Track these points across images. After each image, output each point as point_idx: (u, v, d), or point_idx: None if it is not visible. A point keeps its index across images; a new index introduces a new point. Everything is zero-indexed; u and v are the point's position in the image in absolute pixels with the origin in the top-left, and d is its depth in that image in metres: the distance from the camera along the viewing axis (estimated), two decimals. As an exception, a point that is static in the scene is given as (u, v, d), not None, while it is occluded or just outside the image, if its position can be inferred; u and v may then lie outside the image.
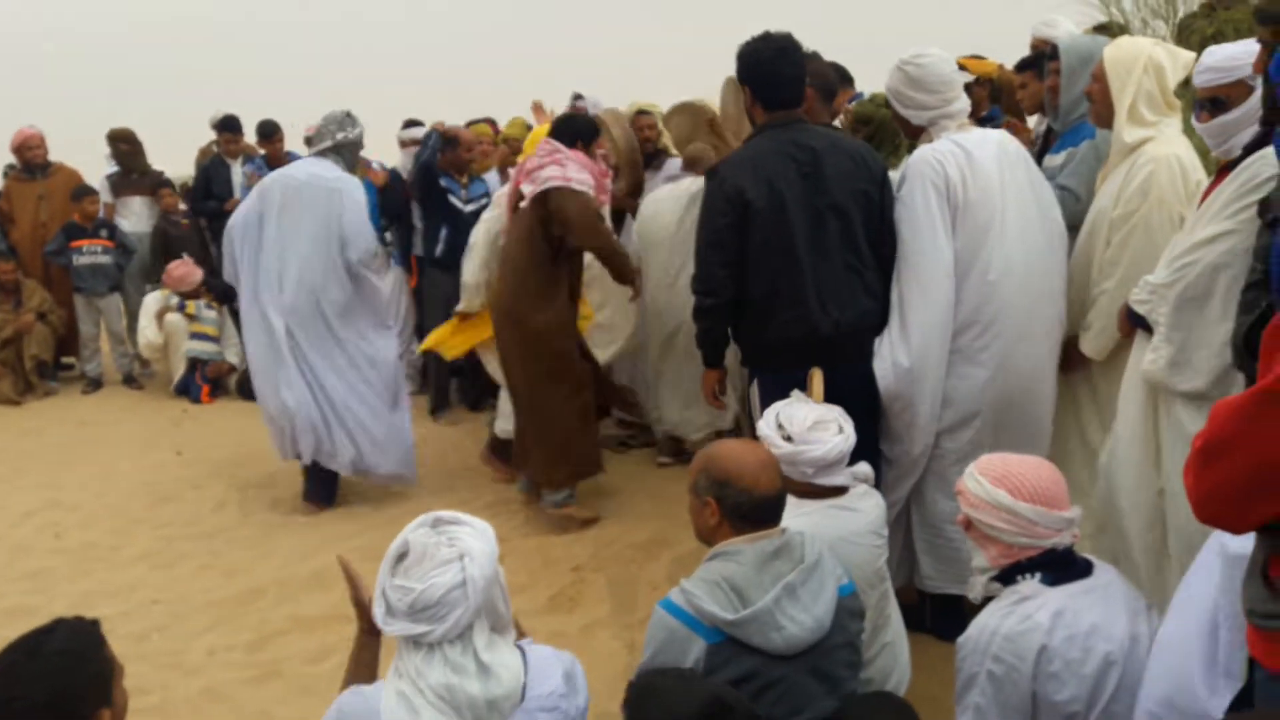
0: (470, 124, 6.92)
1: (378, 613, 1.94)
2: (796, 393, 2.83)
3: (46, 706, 1.77)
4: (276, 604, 4.15)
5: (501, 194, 5.28)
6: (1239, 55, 2.73)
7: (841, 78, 4.89)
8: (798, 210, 3.23)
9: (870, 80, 5.05)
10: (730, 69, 3.49)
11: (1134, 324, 2.95)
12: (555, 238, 4.53)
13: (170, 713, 3.36)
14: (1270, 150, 2.60)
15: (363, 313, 5.02)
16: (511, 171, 6.37)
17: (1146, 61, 3.17)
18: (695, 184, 4.92)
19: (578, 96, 6.64)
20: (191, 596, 4.24)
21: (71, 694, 1.79)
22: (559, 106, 7.68)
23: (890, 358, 3.28)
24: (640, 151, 5.56)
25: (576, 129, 4.71)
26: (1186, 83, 3.40)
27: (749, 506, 2.23)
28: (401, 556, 1.95)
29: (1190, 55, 3.17)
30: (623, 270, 4.72)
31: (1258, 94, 2.66)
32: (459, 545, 1.92)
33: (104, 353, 8.18)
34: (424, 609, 1.87)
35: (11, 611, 4.10)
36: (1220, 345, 2.67)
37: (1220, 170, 2.81)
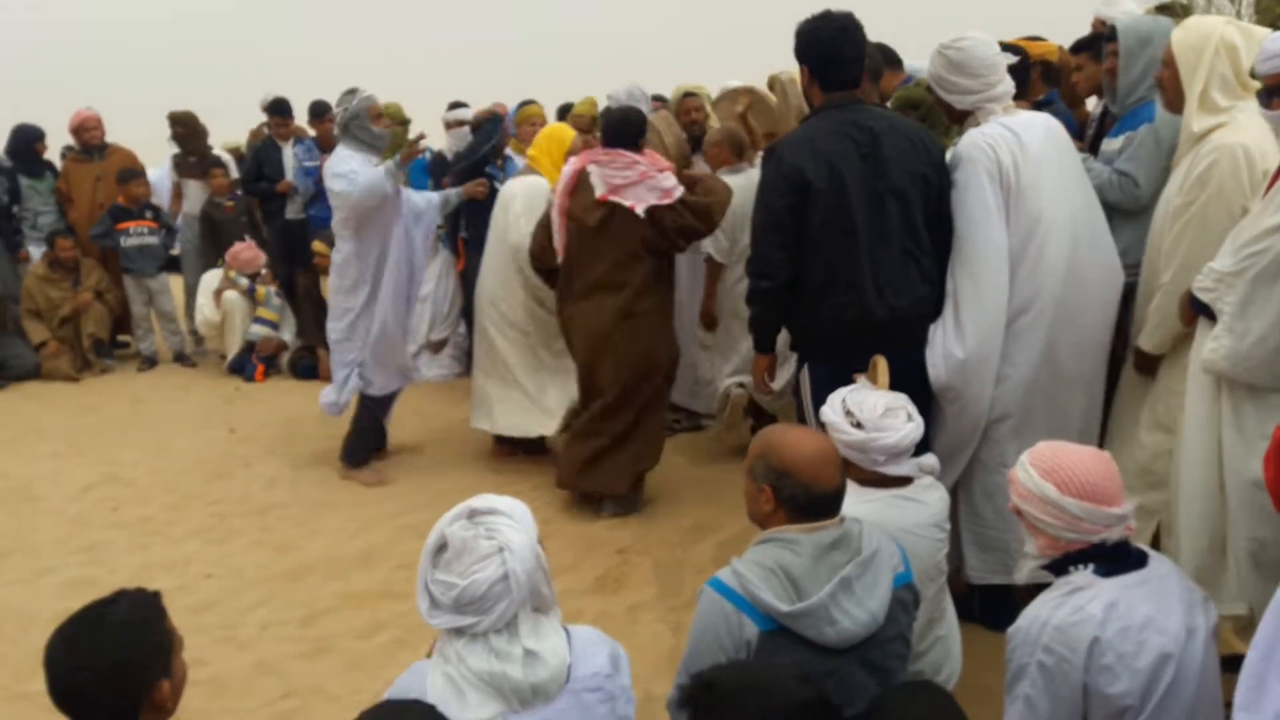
0: (522, 105, 6.91)
1: (422, 606, 1.93)
2: (861, 379, 2.78)
3: (109, 676, 1.80)
4: (326, 580, 4.22)
5: (527, 192, 5.21)
6: None
7: (889, 60, 4.81)
8: (858, 192, 3.17)
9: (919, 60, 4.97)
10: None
11: (1197, 311, 2.88)
12: (665, 250, 4.54)
13: (224, 685, 3.43)
14: None
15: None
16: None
17: (1218, 43, 3.02)
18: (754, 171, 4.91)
19: (609, 96, 6.59)
20: (244, 572, 4.33)
21: (133, 665, 1.83)
22: (563, 96, 7.68)
23: (943, 348, 3.23)
24: (687, 142, 5.55)
25: (634, 129, 4.58)
26: None
27: (805, 500, 2.18)
28: (440, 549, 1.93)
29: (1266, 32, 3.04)
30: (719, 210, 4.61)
31: None
32: (498, 538, 1.90)
33: (158, 331, 8.34)
34: (469, 603, 1.87)
35: (73, 583, 4.21)
36: None
37: None
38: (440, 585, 1.89)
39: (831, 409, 2.64)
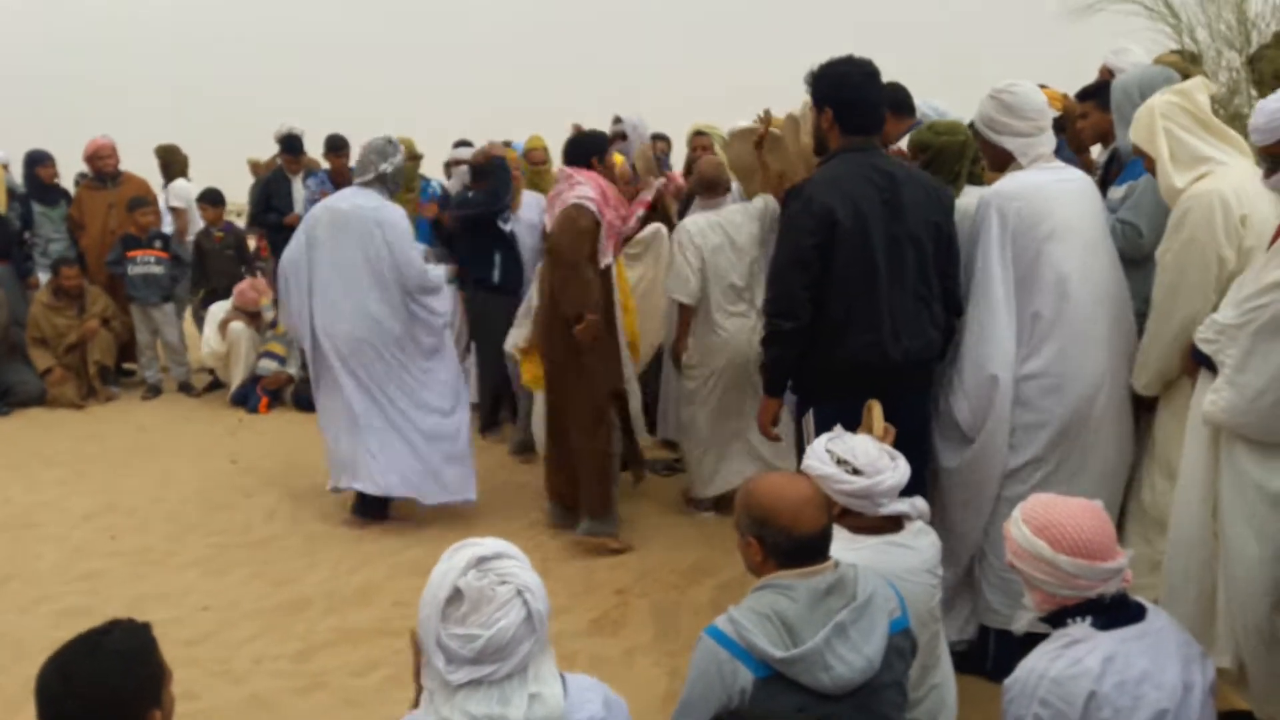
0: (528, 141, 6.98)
1: (438, 663, 1.88)
2: (839, 428, 2.77)
3: (104, 705, 1.80)
4: (323, 615, 4.20)
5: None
6: (1277, 111, 2.66)
7: (898, 105, 4.80)
8: (879, 236, 3.22)
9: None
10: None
11: (1198, 362, 2.89)
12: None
13: (218, 719, 3.40)
14: None
15: (417, 344, 5.09)
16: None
17: (1159, 115, 3.13)
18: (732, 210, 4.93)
19: (617, 120, 6.66)
20: (240, 604, 4.31)
21: (127, 694, 1.83)
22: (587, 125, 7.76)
23: (961, 390, 3.34)
24: (656, 173, 5.68)
25: (586, 148, 4.78)
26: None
27: (789, 546, 2.17)
28: (451, 602, 1.87)
29: (1198, 81, 3.18)
30: (566, 300, 4.55)
31: None
32: (513, 581, 1.87)
33: (162, 360, 8.37)
34: (494, 651, 1.83)
35: (69, 611, 4.20)
36: None
37: None
38: (459, 639, 1.84)
39: (819, 461, 2.60)
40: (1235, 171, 3.06)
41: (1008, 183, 3.33)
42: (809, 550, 2.18)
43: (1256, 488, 2.66)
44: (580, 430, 4.74)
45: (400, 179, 5.10)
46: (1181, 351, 3.06)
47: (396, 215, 4.98)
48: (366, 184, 5.00)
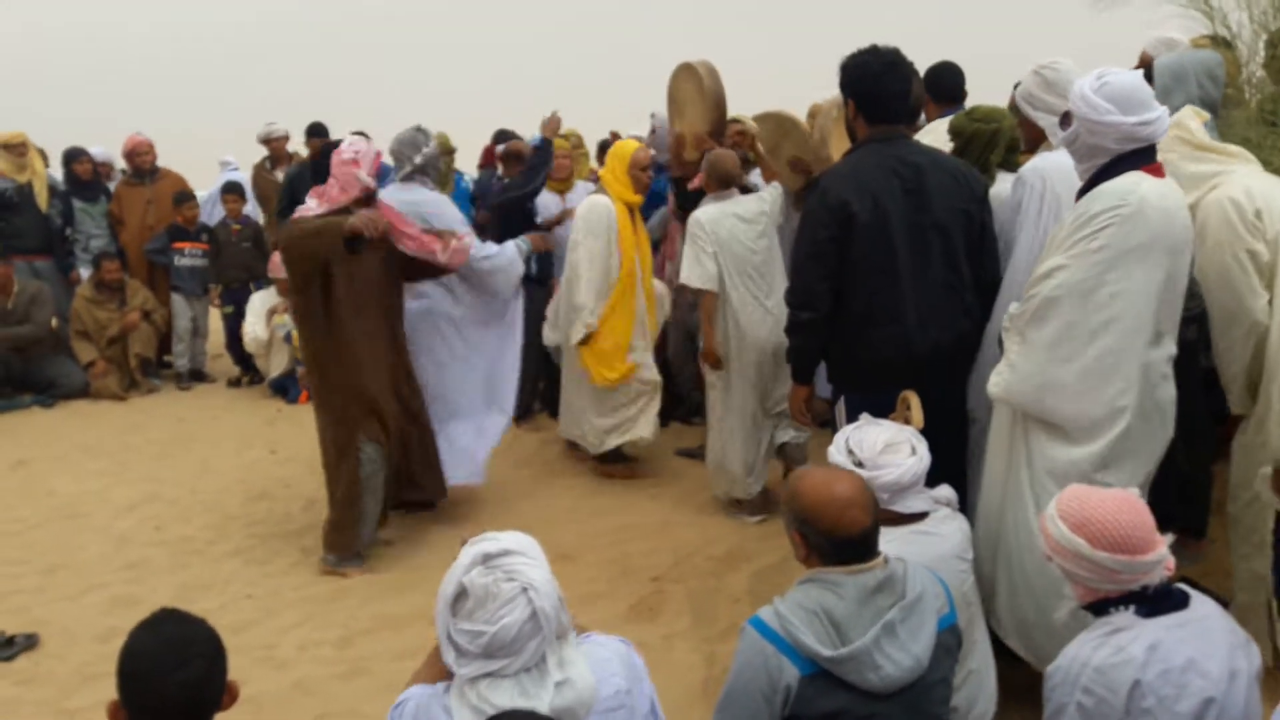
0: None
1: (448, 658, 1.91)
2: (865, 415, 2.76)
3: (214, 660, 1.86)
4: (364, 602, 4.26)
5: (586, 210, 5.33)
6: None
7: (950, 94, 4.73)
8: (900, 226, 3.20)
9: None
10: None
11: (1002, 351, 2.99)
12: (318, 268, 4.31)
13: (264, 704, 3.46)
14: (1103, 187, 2.68)
15: (474, 316, 5.05)
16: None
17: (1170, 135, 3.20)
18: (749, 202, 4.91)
19: (653, 115, 6.64)
20: (283, 592, 4.38)
21: (225, 652, 1.90)
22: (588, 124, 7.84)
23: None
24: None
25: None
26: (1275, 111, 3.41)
27: (829, 547, 2.15)
28: (459, 598, 1.91)
29: (1186, 110, 3.30)
30: (324, 238, 4.20)
31: (1070, 128, 2.78)
32: (519, 578, 1.89)
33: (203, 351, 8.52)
34: (500, 647, 1.86)
35: (116, 600, 4.28)
36: (1064, 377, 2.72)
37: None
38: (466, 634, 1.88)
39: (836, 448, 2.62)
40: (1240, 176, 3.14)
41: (1040, 161, 3.33)
42: (849, 551, 2.16)
43: (1047, 471, 2.77)
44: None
45: (437, 163, 4.97)
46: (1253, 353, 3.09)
47: (440, 201, 4.93)
48: (406, 179, 4.87)
